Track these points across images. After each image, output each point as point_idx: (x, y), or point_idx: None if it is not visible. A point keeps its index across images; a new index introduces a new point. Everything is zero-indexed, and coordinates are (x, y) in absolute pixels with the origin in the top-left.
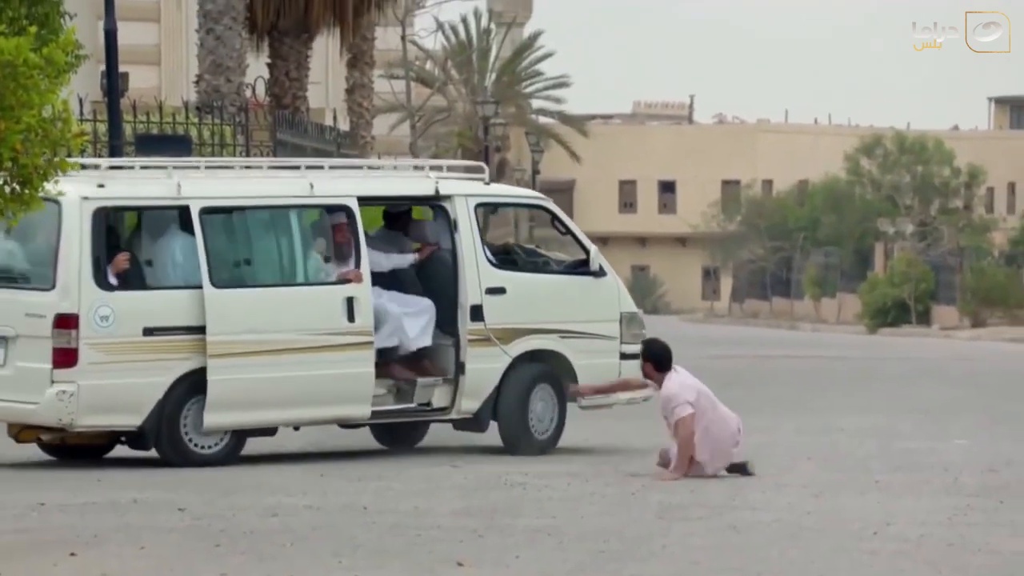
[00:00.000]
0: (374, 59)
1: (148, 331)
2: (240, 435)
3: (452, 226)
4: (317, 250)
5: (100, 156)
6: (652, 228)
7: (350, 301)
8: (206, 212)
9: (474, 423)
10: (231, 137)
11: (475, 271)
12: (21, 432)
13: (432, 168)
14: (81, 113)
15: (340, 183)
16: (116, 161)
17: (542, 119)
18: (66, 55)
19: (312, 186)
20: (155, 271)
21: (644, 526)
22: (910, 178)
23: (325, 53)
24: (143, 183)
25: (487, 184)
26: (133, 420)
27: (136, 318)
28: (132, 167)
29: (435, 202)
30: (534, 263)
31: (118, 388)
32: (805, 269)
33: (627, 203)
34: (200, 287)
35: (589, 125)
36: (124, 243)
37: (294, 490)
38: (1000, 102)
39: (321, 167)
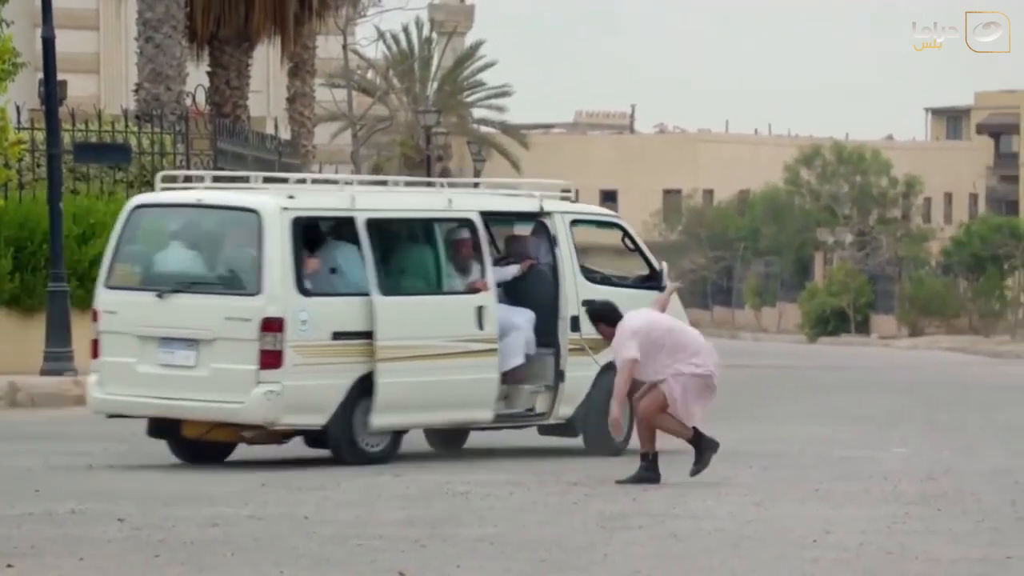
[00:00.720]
0: (315, 68)
1: (336, 335)
2: (397, 436)
3: (552, 241)
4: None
5: (38, 165)
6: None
7: (480, 310)
8: (382, 223)
9: (567, 428)
10: (171, 146)
11: (573, 284)
12: (211, 431)
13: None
14: (19, 121)
15: (470, 199)
16: (300, 176)
17: (484, 128)
18: (3, 63)
19: (451, 201)
20: (340, 278)
21: (586, 535)
22: (848, 188)
23: (266, 62)
24: (323, 194)
25: (573, 202)
26: (319, 420)
27: (327, 322)
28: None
29: (538, 218)
30: (594, 277)
31: (312, 389)
32: (746, 278)
33: None
34: (365, 295)
35: (531, 134)
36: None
37: (235, 500)
38: (937, 113)
39: (454, 186)
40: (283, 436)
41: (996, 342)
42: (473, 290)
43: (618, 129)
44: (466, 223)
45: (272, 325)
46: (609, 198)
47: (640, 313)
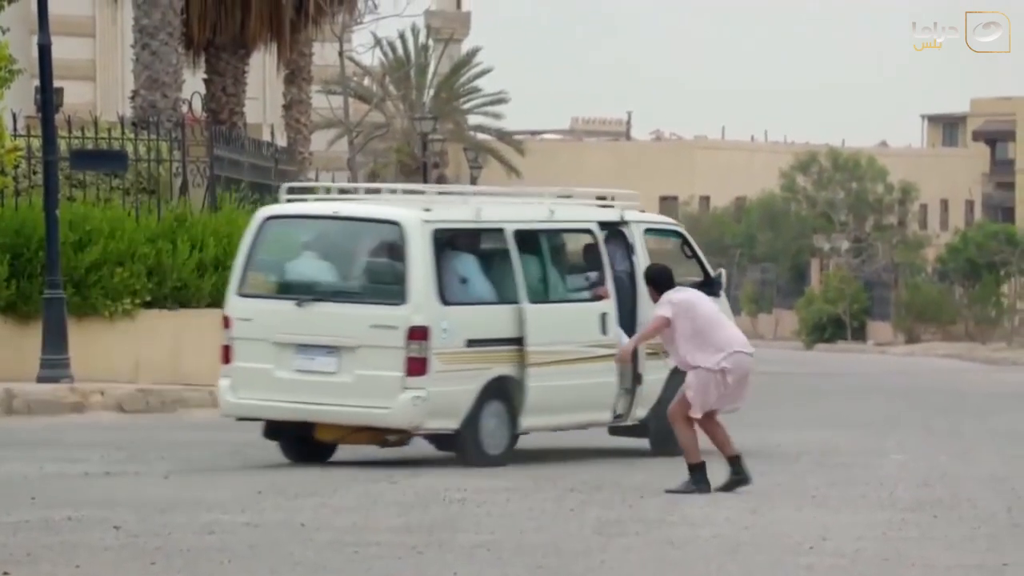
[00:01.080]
0: (312, 75)
1: (470, 342)
2: (513, 439)
3: (630, 249)
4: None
5: (34, 172)
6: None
7: (603, 316)
8: (517, 234)
9: (640, 429)
10: (167, 153)
11: None
12: (351, 434)
13: (596, 197)
14: (15, 128)
15: (570, 210)
16: (441, 188)
17: (480, 135)
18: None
19: (552, 212)
20: (469, 288)
21: (582, 541)
22: (844, 195)
23: (262, 69)
24: (453, 207)
25: (642, 212)
26: (454, 424)
27: (463, 330)
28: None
29: (618, 227)
30: None
31: (450, 394)
32: (742, 285)
33: None
34: (508, 303)
35: (527, 141)
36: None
37: (231, 507)
38: (933, 120)
39: (540, 195)
40: (408, 439)
41: (992, 349)
42: (597, 297)
43: (614, 136)
44: (588, 233)
45: (418, 333)
46: None
47: (689, 291)
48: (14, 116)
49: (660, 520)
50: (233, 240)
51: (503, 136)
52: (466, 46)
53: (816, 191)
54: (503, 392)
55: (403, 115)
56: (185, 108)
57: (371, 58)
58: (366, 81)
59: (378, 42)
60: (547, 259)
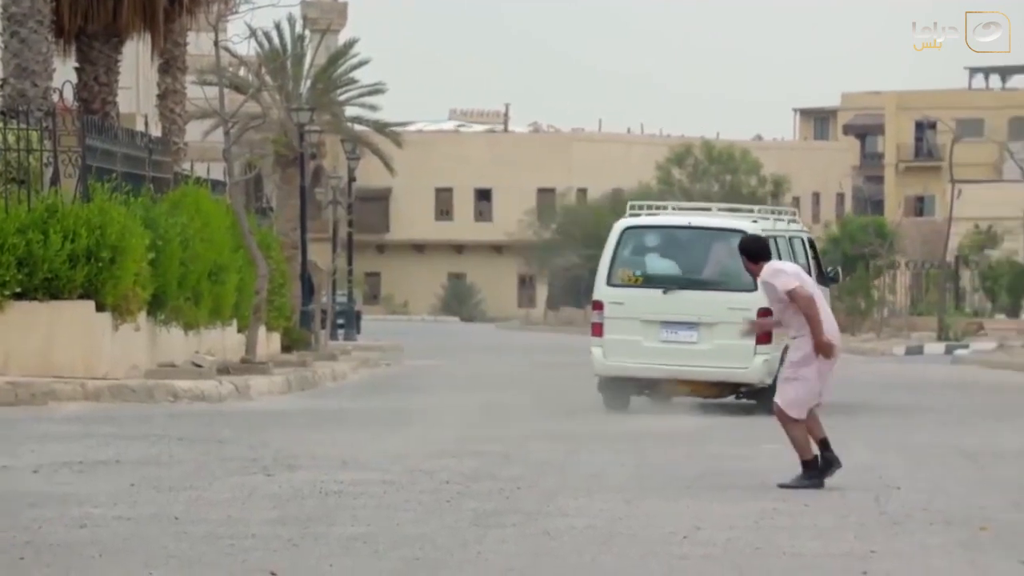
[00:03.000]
0: (186, 65)
1: None
2: None
3: (806, 252)
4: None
5: None
6: (468, 236)
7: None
8: (796, 239)
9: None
10: (38, 142)
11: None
12: (701, 388)
13: (764, 210)
14: None
15: (795, 224)
16: (734, 206)
17: (358, 127)
18: None
19: (789, 223)
20: None
21: (459, 533)
22: (719, 187)
23: (136, 58)
24: (764, 219)
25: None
26: (770, 380)
27: None
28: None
29: (800, 236)
30: None
31: (775, 359)
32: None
33: (443, 211)
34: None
35: (405, 132)
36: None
37: (103, 500)
38: (805, 113)
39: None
40: (730, 392)
41: (862, 340)
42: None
43: (493, 127)
44: (810, 241)
45: (765, 312)
46: (484, 196)
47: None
48: None
49: (537, 511)
50: (105, 231)
51: (381, 128)
52: (343, 37)
53: (691, 183)
54: (783, 358)
55: (280, 106)
56: (56, 97)
57: (247, 48)
58: (242, 71)
59: (253, 32)
60: (796, 257)
